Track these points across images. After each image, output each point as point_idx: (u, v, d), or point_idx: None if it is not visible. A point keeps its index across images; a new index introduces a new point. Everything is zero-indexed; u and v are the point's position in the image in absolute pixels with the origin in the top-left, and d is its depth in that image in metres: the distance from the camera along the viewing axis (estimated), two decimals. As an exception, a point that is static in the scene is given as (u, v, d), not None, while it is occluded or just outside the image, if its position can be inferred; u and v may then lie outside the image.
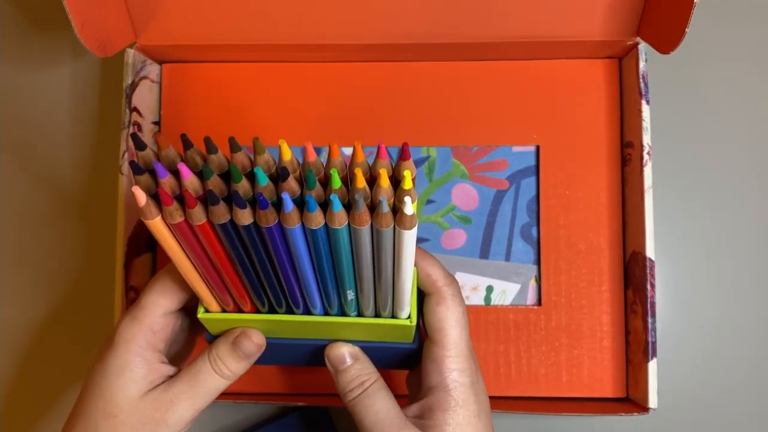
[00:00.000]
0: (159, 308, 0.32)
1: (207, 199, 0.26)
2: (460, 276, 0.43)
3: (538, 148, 0.43)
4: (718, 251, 0.45)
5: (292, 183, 0.26)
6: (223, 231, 0.27)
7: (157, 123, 0.45)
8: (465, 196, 0.44)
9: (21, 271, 0.46)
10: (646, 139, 0.40)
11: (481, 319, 0.42)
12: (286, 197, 0.25)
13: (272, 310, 0.32)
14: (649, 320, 0.39)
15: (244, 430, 0.45)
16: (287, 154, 0.26)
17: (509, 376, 0.42)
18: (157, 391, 0.32)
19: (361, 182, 0.26)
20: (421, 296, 0.33)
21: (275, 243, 0.27)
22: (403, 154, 0.26)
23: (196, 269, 0.30)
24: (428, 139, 0.44)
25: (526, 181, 0.44)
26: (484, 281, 0.43)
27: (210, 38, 0.42)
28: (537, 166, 0.43)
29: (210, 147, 0.27)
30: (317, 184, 0.26)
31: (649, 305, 0.39)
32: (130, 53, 0.42)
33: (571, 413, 0.40)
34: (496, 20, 0.41)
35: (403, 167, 0.26)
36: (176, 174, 0.27)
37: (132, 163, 0.26)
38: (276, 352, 0.35)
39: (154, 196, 0.27)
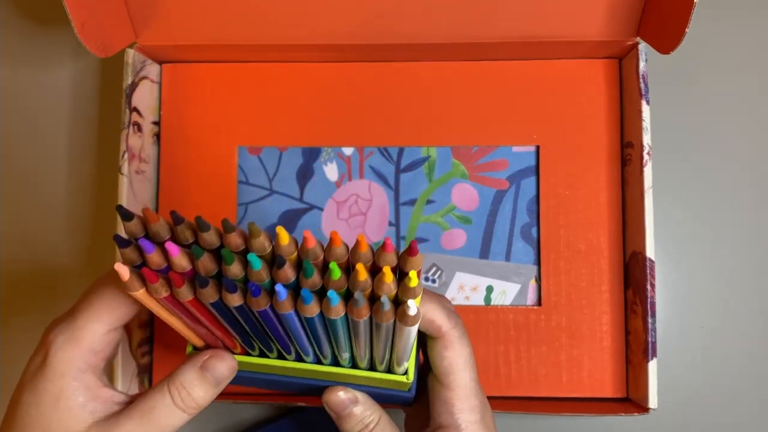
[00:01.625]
0: (101, 326, 0.28)
1: (195, 280, 0.25)
2: (460, 276, 0.43)
3: (538, 148, 0.43)
4: (718, 251, 0.45)
5: (287, 271, 0.25)
6: (212, 306, 0.26)
7: (157, 123, 0.45)
8: (465, 196, 0.44)
9: (21, 271, 0.46)
10: (646, 139, 0.40)
11: (481, 319, 0.42)
12: (279, 289, 0.24)
13: (263, 355, 0.31)
14: (649, 320, 0.39)
15: (244, 430, 0.45)
16: (285, 239, 0.25)
17: (509, 377, 0.42)
18: (103, 426, 0.28)
19: (363, 276, 0.24)
20: (422, 336, 0.32)
21: (267, 319, 0.26)
22: (410, 250, 0.25)
23: (183, 322, 0.29)
24: (428, 139, 0.44)
25: (526, 181, 0.44)
26: (484, 281, 0.43)
27: (210, 38, 0.42)
28: (537, 166, 0.43)
29: (202, 225, 0.25)
30: (314, 272, 0.25)
31: (649, 305, 0.39)
32: (130, 53, 0.42)
33: (571, 413, 0.40)
34: (496, 20, 0.41)
35: (409, 264, 0.25)
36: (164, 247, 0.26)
37: (116, 237, 0.25)
38: (271, 386, 0.34)
39: (141, 265, 0.26)
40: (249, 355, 0.31)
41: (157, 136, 0.45)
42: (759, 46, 0.46)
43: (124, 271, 0.25)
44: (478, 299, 0.43)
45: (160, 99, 0.45)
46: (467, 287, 0.43)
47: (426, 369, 0.33)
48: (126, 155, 0.41)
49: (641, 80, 0.40)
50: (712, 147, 0.46)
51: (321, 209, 0.44)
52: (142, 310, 0.29)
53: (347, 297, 0.25)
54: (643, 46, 0.41)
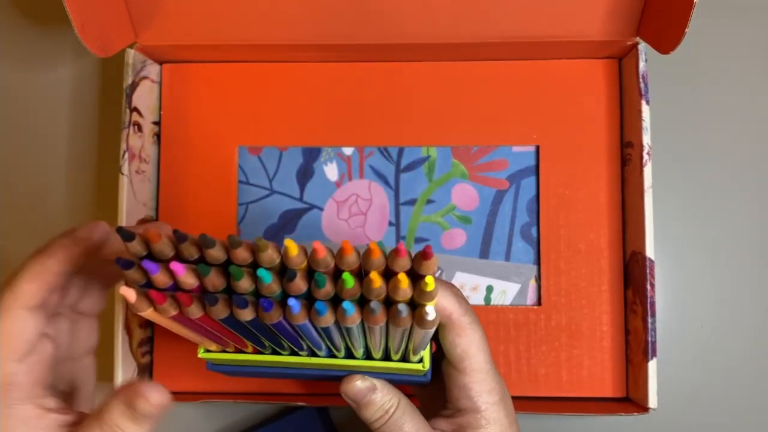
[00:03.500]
0: (18, 304, 0.27)
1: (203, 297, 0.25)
2: (459, 276, 0.43)
3: (538, 148, 0.43)
4: (718, 251, 0.45)
5: (299, 283, 0.25)
6: (224, 320, 0.26)
7: (157, 123, 0.45)
8: (465, 196, 0.44)
9: (21, 271, 0.46)
10: (646, 139, 0.40)
11: (481, 319, 0.42)
12: (293, 303, 0.24)
13: (275, 353, 0.31)
14: (649, 320, 0.39)
15: (244, 430, 0.45)
16: (294, 250, 0.24)
17: (509, 376, 0.42)
18: None
19: (377, 284, 0.24)
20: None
21: (281, 328, 0.26)
22: (425, 254, 0.24)
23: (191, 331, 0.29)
24: (428, 139, 0.44)
25: (526, 181, 0.44)
26: (484, 281, 0.43)
27: (210, 38, 0.42)
28: (537, 166, 0.43)
29: (207, 242, 0.24)
30: (327, 283, 0.25)
31: (649, 305, 0.39)
32: (130, 53, 0.42)
33: (571, 413, 0.40)
34: (496, 20, 0.41)
35: (425, 267, 0.24)
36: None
37: (119, 260, 0.24)
38: (286, 376, 0.34)
39: (146, 284, 0.25)
40: (261, 353, 0.31)
41: (158, 136, 0.45)
42: (759, 46, 0.46)
43: (130, 294, 0.24)
44: (478, 299, 0.43)
45: (160, 99, 0.45)
46: (467, 287, 0.43)
47: (439, 354, 0.33)
48: (126, 155, 0.41)
49: (641, 80, 0.40)
50: (712, 147, 0.46)
51: (321, 209, 0.44)
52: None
53: (361, 303, 0.25)
54: (643, 46, 0.41)
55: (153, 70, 0.44)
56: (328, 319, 0.25)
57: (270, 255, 0.25)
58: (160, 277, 0.25)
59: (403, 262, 0.24)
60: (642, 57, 0.40)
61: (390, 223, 0.44)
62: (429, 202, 0.44)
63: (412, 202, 0.44)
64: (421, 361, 0.31)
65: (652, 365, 0.39)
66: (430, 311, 0.24)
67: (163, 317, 0.26)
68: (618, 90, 0.43)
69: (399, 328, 0.25)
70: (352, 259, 0.25)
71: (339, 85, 0.44)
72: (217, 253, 0.25)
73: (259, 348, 0.31)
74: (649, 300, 0.39)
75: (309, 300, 0.25)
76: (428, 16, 0.41)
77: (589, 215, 0.43)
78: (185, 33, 0.42)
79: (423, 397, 0.37)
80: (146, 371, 0.43)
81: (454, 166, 0.44)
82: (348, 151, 0.44)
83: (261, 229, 0.44)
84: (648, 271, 0.39)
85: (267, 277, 0.24)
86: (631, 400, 0.41)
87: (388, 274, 0.25)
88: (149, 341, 0.43)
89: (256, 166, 0.44)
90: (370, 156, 0.44)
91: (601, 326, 0.42)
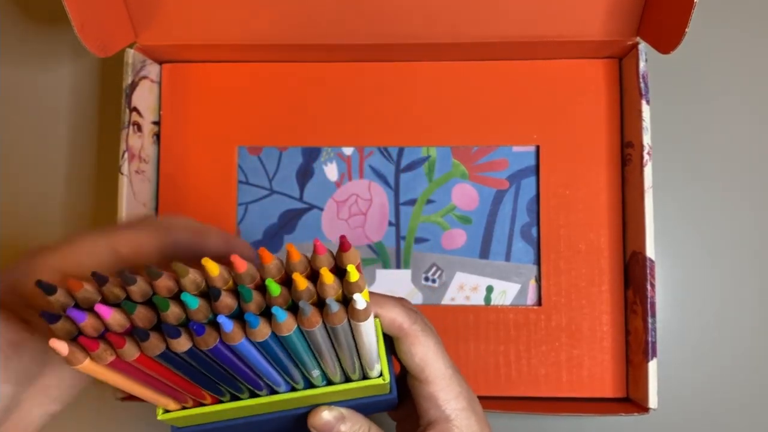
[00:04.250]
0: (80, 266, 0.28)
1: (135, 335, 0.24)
2: (460, 276, 0.43)
3: (538, 148, 0.43)
4: (718, 251, 0.45)
5: (226, 300, 0.24)
6: (162, 357, 0.25)
7: (156, 123, 0.45)
8: (465, 196, 0.44)
9: (21, 271, 0.46)
10: (646, 139, 0.40)
11: (481, 319, 0.42)
12: (223, 320, 0.23)
13: (235, 398, 0.30)
14: (649, 320, 0.39)
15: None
16: (214, 270, 0.24)
17: (509, 376, 0.42)
18: None
19: (302, 285, 0.24)
20: (389, 338, 0.32)
21: (222, 356, 0.25)
22: (342, 246, 0.24)
23: (143, 385, 0.28)
24: (428, 139, 0.44)
25: (526, 181, 0.44)
26: (484, 281, 0.43)
27: (210, 38, 0.42)
28: (537, 166, 0.43)
29: (127, 279, 0.24)
30: (254, 294, 0.24)
31: (649, 305, 0.39)
32: (130, 53, 0.42)
33: (571, 413, 0.40)
34: (496, 20, 0.41)
35: (345, 259, 0.24)
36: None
37: (44, 314, 0.23)
38: (254, 427, 0.33)
39: (78, 334, 0.24)
40: (221, 402, 0.30)
41: (157, 135, 0.45)
42: (759, 46, 0.46)
43: (62, 346, 0.23)
44: (478, 299, 0.43)
45: (160, 99, 0.45)
46: (467, 287, 0.43)
47: (403, 374, 0.33)
48: (126, 155, 0.41)
49: (641, 80, 0.40)
50: (712, 147, 0.45)
51: (321, 209, 0.44)
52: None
53: (294, 310, 0.25)
54: (643, 46, 0.41)
55: (153, 70, 0.44)
56: (263, 330, 0.24)
57: (192, 279, 0.24)
58: (90, 324, 0.24)
59: (324, 259, 0.24)
60: (642, 57, 0.40)
61: (390, 223, 0.44)
62: (429, 202, 0.44)
63: (412, 202, 0.44)
64: (381, 375, 0.31)
65: (653, 365, 0.39)
66: (359, 299, 0.24)
67: (101, 367, 0.25)
68: (618, 90, 0.43)
69: (339, 331, 0.25)
70: (275, 266, 0.24)
71: (339, 85, 0.44)
72: (141, 288, 0.24)
73: (217, 396, 0.30)
74: (649, 300, 0.39)
75: (242, 319, 0.25)
76: (428, 16, 0.41)
77: (590, 215, 0.43)
78: (185, 33, 0.42)
79: (398, 427, 0.37)
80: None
81: (454, 166, 0.44)
82: (348, 151, 0.44)
83: (261, 230, 0.44)
84: (648, 271, 0.39)
85: (193, 302, 0.23)
86: (632, 401, 0.41)
87: (317, 278, 0.24)
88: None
89: (256, 166, 0.44)
90: (370, 156, 0.44)
91: (601, 326, 0.42)
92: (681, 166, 0.45)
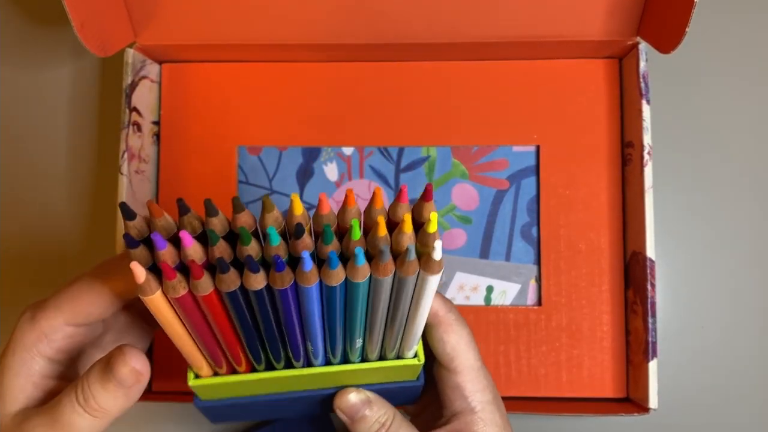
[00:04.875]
0: (60, 316, 0.27)
1: (216, 267, 0.24)
2: (460, 276, 0.43)
3: (538, 148, 0.43)
4: (718, 251, 0.45)
5: (307, 239, 0.24)
6: (230, 298, 0.25)
7: (156, 123, 0.45)
8: (465, 196, 0.44)
9: (21, 270, 0.46)
10: (647, 139, 0.40)
11: (481, 319, 0.42)
12: (306, 256, 0.23)
13: (270, 367, 0.30)
14: (650, 320, 0.39)
15: (245, 431, 0.45)
16: (299, 209, 0.24)
17: (509, 377, 0.42)
18: (24, 414, 0.26)
19: (383, 231, 0.24)
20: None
21: (286, 303, 0.25)
22: (425, 195, 0.24)
23: (191, 335, 0.28)
24: (428, 139, 0.44)
25: (526, 181, 0.44)
26: (485, 281, 0.43)
27: (210, 38, 0.42)
28: (537, 166, 0.43)
29: (211, 210, 0.24)
30: (334, 237, 0.24)
31: (649, 305, 0.39)
32: (130, 53, 0.42)
33: (571, 413, 0.40)
34: (496, 20, 0.41)
35: (426, 209, 0.24)
36: (174, 242, 0.24)
37: (126, 237, 0.23)
38: (275, 408, 0.32)
39: (152, 269, 0.24)
40: (255, 371, 0.30)
41: (157, 135, 0.45)
42: (759, 46, 0.46)
43: (140, 271, 0.23)
44: (478, 299, 0.43)
45: (159, 99, 0.45)
46: (467, 287, 0.43)
47: (429, 364, 0.33)
48: (126, 155, 0.41)
49: (641, 80, 0.40)
50: (712, 147, 0.45)
51: (321, 209, 0.44)
52: (111, 318, 0.28)
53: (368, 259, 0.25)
54: (643, 46, 0.41)
55: (152, 69, 0.44)
56: (339, 274, 0.24)
57: (275, 216, 0.24)
58: (169, 252, 0.24)
59: (406, 207, 0.25)
60: (642, 57, 0.40)
61: (390, 223, 0.44)
62: (429, 202, 0.44)
63: (412, 202, 0.44)
64: (416, 356, 0.31)
65: (653, 365, 0.39)
66: (438, 246, 0.24)
67: (165, 302, 0.24)
68: (618, 90, 0.43)
69: (407, 284, 0.25)
70: (355, 211, 0.25)
71: (339, 85, 0.44)
72: (222, 223, 0.24)
73: (254, 362, 0.30)
74: (649, 300, 0.39)
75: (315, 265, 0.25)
76: (428, 16, 0.41)
77: (590, 215, 0.43)
78: (185, 33, 0.42)
79: (415, 419, 0.37)
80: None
81: (454, 166, 0.44)
82: (348, 151, 0.44)
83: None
84: (648, 271, 0.39)
85: (275, 238, 0.23)
86: (632, 401, 0.41)
87: (392, 229, 0.25)
88: (149, 341, 0.43)
89: (255, 166, 0.44)
90: (370, 156, 0.44)
91: (601, 326, 0.42)
92: (681, 166, 0.45)
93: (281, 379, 0.30)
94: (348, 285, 0.25)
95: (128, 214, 0.24)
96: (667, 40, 0.38)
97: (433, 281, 0.25)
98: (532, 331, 0.42)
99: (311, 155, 0.44)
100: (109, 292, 0.28)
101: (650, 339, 0.39)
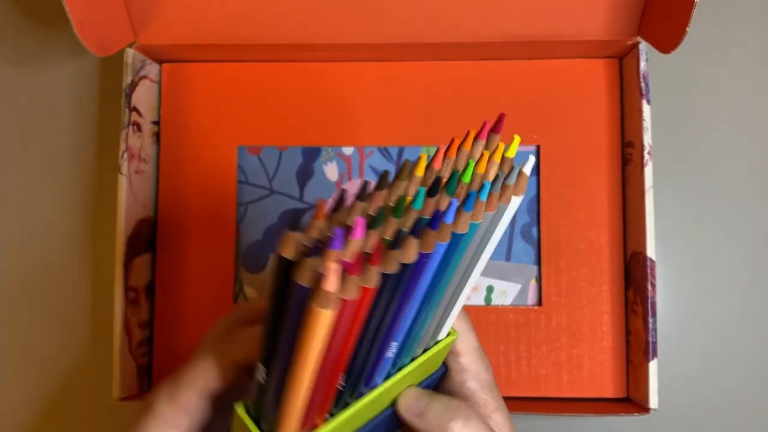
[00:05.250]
0: (195, 392, 0.29)
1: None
2: (460, 276, 0.43)
3: (538, 148, 0.43)
4: (718, 251, 0.45)
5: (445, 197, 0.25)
6: (385, 280, 0.22)
7: (156, 123, 0.45)
8: (465, 196, 0.44)
9: (20, 270, 0.46)
10: (647, 139, 0.40)
11: (482, 319, 0.42)
12: (454, 201, 0.23)
13: (342, 406, 0.27)
14: (650, 320, 0.39)
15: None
16: (438, 163, 0.26)
17: (509, 377, 0.42)
18: None
19: (483, 168, 0.26)
20: None
21: (419, 278, 0.24)
22: (497, 126, 0.27)
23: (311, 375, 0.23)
24: (428, 139, 0.44)
25: (527, 181, 0.44)
26: (485, 281, 0.43)
27: (210, 38, 0.42)
28: (537, 166, 0.43)
29: (382, 183, 0.24)
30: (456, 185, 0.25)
31: (649, 305, 0.39)
32: (130, 53, 0.42)
33: (572, 413, 0.40)
34: (496, 20, 0.41)
35: (497, 139, 0.27)
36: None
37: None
38: None
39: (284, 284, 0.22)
40: (333, 416, 0.27)
41: (157, 135, 0.45)
42: (759, 46, 0.46)
43: (335, 278, 0.20)
44: (478, 299, 0.43)
45: (159, 99, 0.45)
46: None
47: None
48: (125, 155, 0.41)
49: (642, 80, 0.40)
50: (712, 147, 0.45)
51: (321, 209, 0.44)
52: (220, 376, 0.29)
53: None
54: (643, 46, 0.41)
55: (152, 69, 0.44)
56: (479, 213, 0.24)
57: (420, 178, 0.25)
58: (357, 243, 0.21)
59: (497, 138, 0.27)
60: (643, 56, 0.40)
61: (390, 223, 0.44)
62: (429, 202, 0.44)
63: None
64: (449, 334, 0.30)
65: (653, 365, 0.39)
66: (531, 159, 0.26)
67: (325, 324, 0.21)
68: (619, 90, 0.43)
69: (500, 210, 0.26)
70: (466, 153, 0.27)
71: (339, 85, 0.44)
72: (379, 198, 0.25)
73: (333, 409, 0.27)
74: (649, 300, 0.39)
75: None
76: (428, 16, 0.41)
77: (590, 215, 0.43)
78: (184, 33, 0.42)
79: None
80: (145, 372, 0.43)
81: (455, 166, 0.44)
82: (348, 150, 0.44)
83: (261, 230, 0.44)
84: (649, 271, 0.39)
85: (420, 202, 0.24)
86: (632, 401, 0.41)
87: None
88: (148, 342, 0.43)
89: (255, 166, 0.44)
90: (370, 156, 0.44)
91: (601, 326, 0.42)
92: (681, 166, 0.45)
93: (354, 414, 0.28)
94: (454, 239, 0.24)
95: (294, 225, 0.24)
96: (667, 40, 0.38)
97: (515, 203, 0.26)
98: (532, 331, 0.42)
99: (311, 155, 0.44)
100: (232, 364, 0.29)
101: (650, 339, 0.39)
